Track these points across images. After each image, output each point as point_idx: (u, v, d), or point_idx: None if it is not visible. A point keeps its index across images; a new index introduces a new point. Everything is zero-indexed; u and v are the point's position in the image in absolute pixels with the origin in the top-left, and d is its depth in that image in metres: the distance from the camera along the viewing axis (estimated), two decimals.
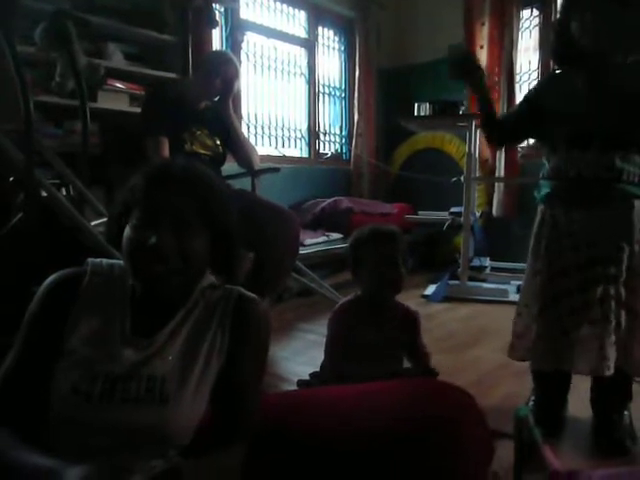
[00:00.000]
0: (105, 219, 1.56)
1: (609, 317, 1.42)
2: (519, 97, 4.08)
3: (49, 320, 0.89)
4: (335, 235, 3.69)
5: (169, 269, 0.85)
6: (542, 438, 1.15)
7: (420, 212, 4.33)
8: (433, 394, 1.16)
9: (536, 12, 4.17)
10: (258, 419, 0.97)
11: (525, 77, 4.27)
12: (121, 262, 0.94)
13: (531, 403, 1.64)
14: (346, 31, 4.80)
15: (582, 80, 1.48)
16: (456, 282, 3.52)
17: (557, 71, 1.64)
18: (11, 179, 1.91)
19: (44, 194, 1.85)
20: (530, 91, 1.67)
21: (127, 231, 0.87)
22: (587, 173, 1.45)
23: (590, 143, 1.44)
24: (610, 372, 1.41)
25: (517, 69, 4.11)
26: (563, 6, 1.56)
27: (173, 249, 0.85)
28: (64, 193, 2.09)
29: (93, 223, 1.92)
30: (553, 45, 1.59)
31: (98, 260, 0.97)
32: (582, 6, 1.43)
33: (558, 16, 1.59)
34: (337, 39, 4.83)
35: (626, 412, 1.53)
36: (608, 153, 1.42)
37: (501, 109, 4.07)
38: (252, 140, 3.84)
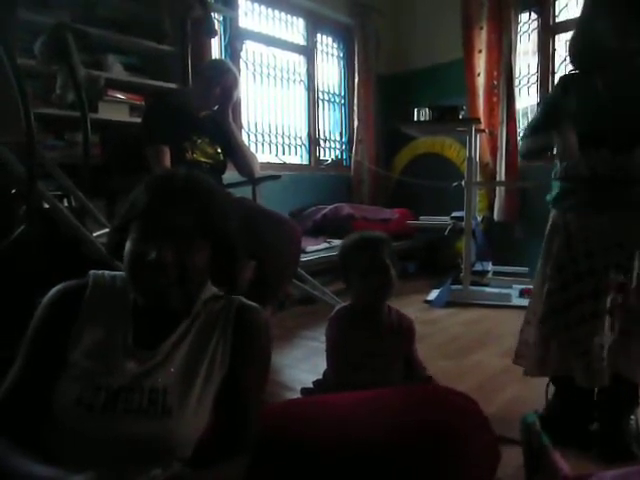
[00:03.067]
0: (107, 230, 1.57)
1: (614, 327, 1.41)
2: (519, 101, 4.09)
3: (52, 332, 0.89)
4: (336, 242, 3.68)
5: (169, 282, 0.85)
6: (551, 444, 1.15)
7: (421, 217, 4.31)
8: (435, 400, 1.15)
9: (534, 16, 4.18)
10: (260, 428, 0.96)
11: (524, 81, 4.27)
12: (123, 274, 0.95)
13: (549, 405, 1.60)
14: (345, 38, 4.82)
15: (604, 81, 1.44)
16: (458, 287, 3.51)
17: (574, 72, 1.57)
18: (13, 191, 1.91)
19: (46, 206, 1.86)
20: (548, 100, 1.57)
21: (128, 244, 0.87)
22: (602, 171, 1.42)
23: (604, 141, 1.40)
24: (606, 382, 1.40)
25: (516, 73, 4.11)
26: (587, 5, 1.49)
27: (173, 263, 0.85)
28: (66, 204, 2.09)
29: (95, 234, 1.93)
30: (577, 46, 1.53)
31: (100, 272, 0.98)
32: (611, 5, 1.39)
33: (580, 15, 1.52)
34: (336, 46, 4.85)
35: (632, 417, 1.52)
36: (624, 153, 1.40)
37: (500, 113, 4.08)
38: (252, 148, 3.85)
